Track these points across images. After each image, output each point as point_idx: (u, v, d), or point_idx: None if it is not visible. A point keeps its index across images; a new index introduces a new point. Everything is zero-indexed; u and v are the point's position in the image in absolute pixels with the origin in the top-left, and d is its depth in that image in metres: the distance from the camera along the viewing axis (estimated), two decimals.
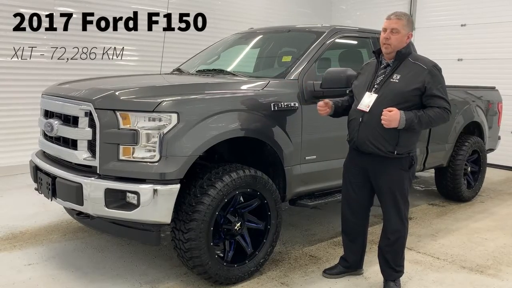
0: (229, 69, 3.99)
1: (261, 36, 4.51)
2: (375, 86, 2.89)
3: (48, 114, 3.35)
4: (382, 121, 2.71)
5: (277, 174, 3.42)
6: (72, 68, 6.32)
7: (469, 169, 5.53)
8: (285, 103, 3.34)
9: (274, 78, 3.52)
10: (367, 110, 2.84)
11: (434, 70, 2.80)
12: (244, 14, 8.38)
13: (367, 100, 2.85)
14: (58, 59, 6.28)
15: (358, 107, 2.89)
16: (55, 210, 4.42)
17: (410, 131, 2.81)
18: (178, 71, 4.34)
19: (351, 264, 3.30)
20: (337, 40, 3.92)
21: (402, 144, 2.82)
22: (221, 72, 3.91)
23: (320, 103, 3.09)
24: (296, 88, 3.45)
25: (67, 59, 6.34)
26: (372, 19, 8.69)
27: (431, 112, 2.77)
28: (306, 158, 3.54)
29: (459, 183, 5.30)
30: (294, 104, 3.39)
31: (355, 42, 4.26)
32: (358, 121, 2.90)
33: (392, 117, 2.68)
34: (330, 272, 3.31)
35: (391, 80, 2.84)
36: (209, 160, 3.34)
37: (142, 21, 6.98)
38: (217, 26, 7.82)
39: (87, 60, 6.54)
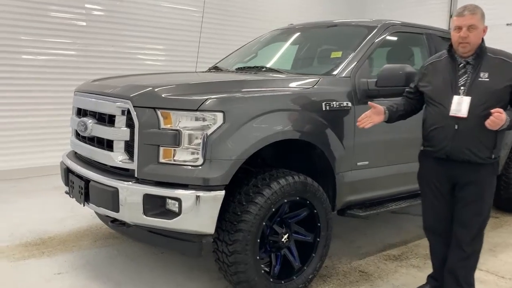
0: (271, 66, 3.70)
1: (304, 31, 4.21)
2: (461, 87, 2.56)
3: (81, 112, 3.13)
4: (490, 124, 2.39)
5: (325, 181, 3.11)
6: (102, 67, 6.16)
7: None
8: (338, 103, 3.03)
9: (324, 75, 3.22)
10: (465, 116, 2.51)
11: None
12: (276, 13, 8.11)
13: (461, 105, 2.52)
14: (89, 57, 6.14)
15: (451, 114, 2.56)
16: (84, 214, 4.22)
17: (502, 132, 2.53)
18: (216, 69, 4.09)
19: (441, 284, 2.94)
20: (389, 36, 3.60)
21: (498, 147, 2.56)
22: (263, 69, 3.63)
23: (366, 113, 2.77)
24: (349, 86, 3.14)
25: (98, 57, 6.20)
26: (408, 19, 8.28)
27: None
28: (358, 164, 3.21)
29: None
30: (347, 103, 3.08)
31: (408, 39, 3.92)
32: (452, 128, 2.56)
33: (502, 118, 2.37)
34: None
35: (480, 79, 2.51)
36: (251, 164, 3.05)
37: (175, 20, 6.84)
38: (248, 26, 7.59)
39: (117, 59, 6.38)
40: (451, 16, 8.42)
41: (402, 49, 3.96)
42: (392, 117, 2.82)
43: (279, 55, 4.04)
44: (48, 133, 5.94)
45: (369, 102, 2.78)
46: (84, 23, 6.09)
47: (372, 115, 2.76)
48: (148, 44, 6.71)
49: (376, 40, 3.45)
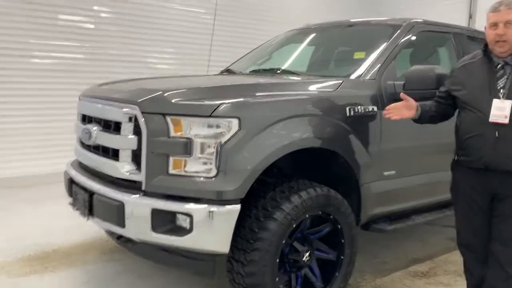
0: (287, 68, 3.47)
1: (322, 32, 3.97)
2: (500, 90, 2.30)
3: (86, 119, 2.92)
4: None
5: (349, 194, 2.85)
6: (111, 70, 5.97)
7: None
8: (363, 107, 2.78)
9: (346, 77, 2.97)
10: (506, 122, 2.25)
11: None
12: (289, 15, 7.88)
13: (503, 109, 2.26)
14: (97, 60, 5.97)
15: (491, 120, 2.30)
16: (90, 224, 3.98)
17: None
18: (228, 71, 3.86)
19: None
20: (415, 36, 3.34)
21: None
22: (278, 71, 3.40)
23: (395, 104, 2.53)
24: (374, 89, 2.89)
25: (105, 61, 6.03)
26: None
27: None
28: (385, 173, 2.95)
29: None
30: (373, 108, 2.83)
31: (434, 39, 3.65)
32: (493, 136, 2.29)
33: None
34: None
35: None
36: (267, 174, 2.81)
37: (185, 22, 6.66)
38: (260, 28, 7.37)
39: (126, 62, 6.20)
40: (470, 17, 8.11)
41: (428, 50, 3.70)
42: (424, 116, 2.56)
43: (295, 57, 3.80)
44: (54, 139, 5.74)
45: (401, 94, 2.52)
46: (92, 26, 5.92)
47: (402, 108, 2.51)
48: (158, 47, 6.52)
49: (402, 40, 3.20)
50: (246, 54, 4.25)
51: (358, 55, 3.20)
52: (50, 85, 5.70)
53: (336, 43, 3.80)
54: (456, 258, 3.69)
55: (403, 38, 3.21)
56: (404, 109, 2.54)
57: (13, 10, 5.30)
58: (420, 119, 2.60)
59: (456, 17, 8.09)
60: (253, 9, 7.45)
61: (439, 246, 3.94)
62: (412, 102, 2.53)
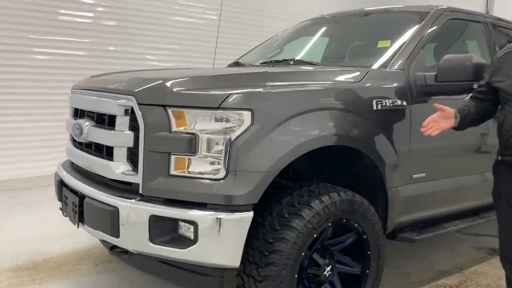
0: (304, 59, 3.14)
1: (338, 21, 3.64)
2: None
3: (78, 114, 2.61)
4: None
5: (374, 199, 2.51)
6: (111, 68, 5.59)
7: None
8: (391, 101, 2.45)
9: (370, 67, 2.64)
10: None
11: None
12: (299, 10, 7.56)
13: None
14: (97, 57, 5.67)
15: None
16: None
17: None
18: (237, 64, 3.54)
19: None
20: (443, 24, 3.00)
21: None
22: (291, 62, 3.07)
23: (432, 117, 2.23)
24: (403, 81, 2.56)
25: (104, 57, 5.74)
26: None
27: None
28: (414, 176, 2.62)
29: None
30: (402, 102, 2.50)
31: (464, 28, 3.31)
32: None
33: None
34: None
35: None
36: (282, 177, 2.48)
37: (189, 18, 6.39)
38: (267, 25, 7.07)
39: (127, 59, 5.90)
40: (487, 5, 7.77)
41: (457, 40, 3.36)
42: (463, 122, 2.27)
43: (309, 48, 3.48)
44: (53, 139, 5.43)
45: (435, 104, 2.22)
46: (92, 21, 5.63)
47: (439, 120, 2.21)
48: (161, 44, 6.22)
49: (430, 28, 2.87)
50: (255, 47, 3.93)
51: (382, 44, 2.87)
52: (46, 83, 5.40)
53: (355, 33, 3.45)
54: (487, 270, 3.35)
55: (431, 26, 2.88)
56: (442, 120, 2.26)
57: (12, 3, 5.02)
58: (460, 126, 2.30)
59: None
60: (259, 5, 7.15)
61: (467, 256, 3.60)
62: (448, 110, 2.25)
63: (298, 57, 3.20)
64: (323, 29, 3.65)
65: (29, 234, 3.74)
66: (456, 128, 2.30)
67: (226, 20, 6.11)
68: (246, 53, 3.84)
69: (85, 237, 3.62)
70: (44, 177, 5.24)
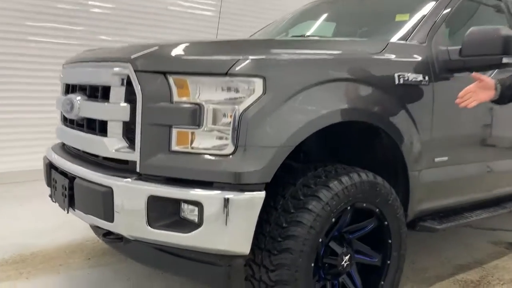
0: (316, 34, 2.94)
1: None
2: None
3: (69, 90, 2.37)
4: None
5: (394, 183, 2.29)
6: None
7: None
8: (412, 76, 2.24)
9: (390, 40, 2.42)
10: None
11: None
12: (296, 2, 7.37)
13: None
14: (90, 47, 5.43)
15: None
16: (81, 223, 3.45)
17: None
18: None
19: None
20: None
21: None
22: (303, 37, 2.85)
23: (469, 87, 2.01)
24: (425, 55, 2.35)
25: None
26: None
27: None
28: (436, 160, 2.40)
29: None
30: (424, 77, 2.28)
31: (486, 5, 3.11)
32: None
33: None
34: None
35: None
36: (291, 158, 2.25)
37: (188, 9, 6.18)
38: (263, 17, 6.87)
39: None
40: None
41: (477, 18, 3.15)
42: (505, 94, 2.04)
43: (320, 25, 3.26)
44: (47, 132, 5.16)
45: (473, 74, 2.01)
46: (85, 9, 5.41)
47: (477, 90, 1.99)
48: (158, 34, 5.98)
49: (452, 1, 2.66)
50: (258, 30, 3.72)
51: (400, 17, 2.65)
52: (42, 73, 5.17)
53: (370, 7, 3.22)
54: (508, 265, 3.14)
55: None
56: (480, 91, 2.03)
57: None
58: (501, 99, 2.09)
59: None
60: None
61: (485, 250, 3.39)
62: (488, 80, 2.05)
63: (309, 33, 2.98)
64: (334, 6, 3.43)
65: (18, 228, 3.49)
66: (496, 102, 2.09)
67: (226, 11, 5.93)
68: (250, 36, 3.62)
69: (78, 230, 3.40)
70: (38, 171, 4.99)
